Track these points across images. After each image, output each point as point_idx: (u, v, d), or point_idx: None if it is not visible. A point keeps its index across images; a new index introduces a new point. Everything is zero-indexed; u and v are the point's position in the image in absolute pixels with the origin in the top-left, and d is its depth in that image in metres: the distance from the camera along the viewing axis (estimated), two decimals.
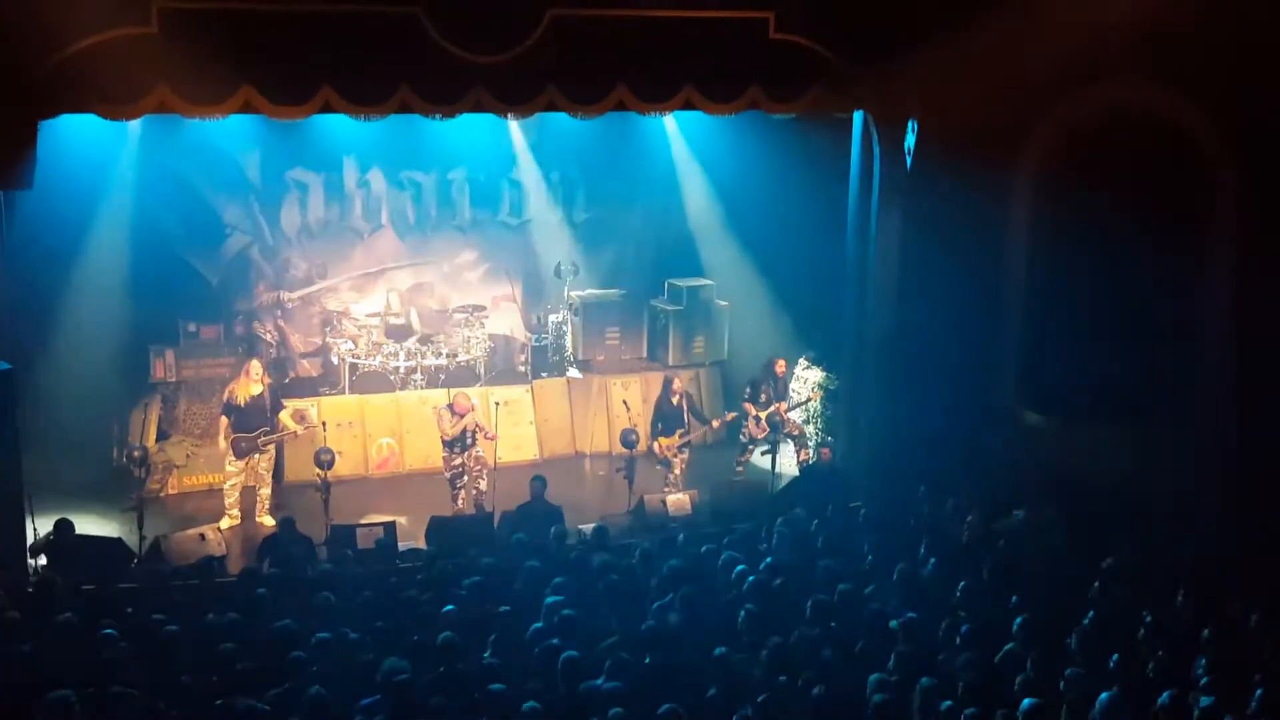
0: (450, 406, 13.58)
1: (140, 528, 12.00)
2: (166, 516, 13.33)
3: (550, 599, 9.38)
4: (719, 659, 8.46)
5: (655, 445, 14.27)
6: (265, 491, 13.58)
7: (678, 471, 14.17)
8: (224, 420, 13.31)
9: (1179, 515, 11.74)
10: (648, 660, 8.52)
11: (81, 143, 13.20)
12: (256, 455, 13.35)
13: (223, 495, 13.48)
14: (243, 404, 13.19)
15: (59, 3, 10.71)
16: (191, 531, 12.10)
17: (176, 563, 11.45)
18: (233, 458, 13.26)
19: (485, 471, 13.47)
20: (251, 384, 13.26)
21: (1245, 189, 12.18)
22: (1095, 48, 11.99)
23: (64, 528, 11.37)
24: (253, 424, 13.23)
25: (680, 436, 14.18)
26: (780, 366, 14.78)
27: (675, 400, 14.27)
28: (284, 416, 13.48)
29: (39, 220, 12.88)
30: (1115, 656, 8.46)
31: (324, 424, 13.98)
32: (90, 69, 11.09)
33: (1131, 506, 11.72)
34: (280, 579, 10.37)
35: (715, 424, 14.69)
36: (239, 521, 13.40)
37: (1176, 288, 12.74)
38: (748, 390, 14.76)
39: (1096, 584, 9.97)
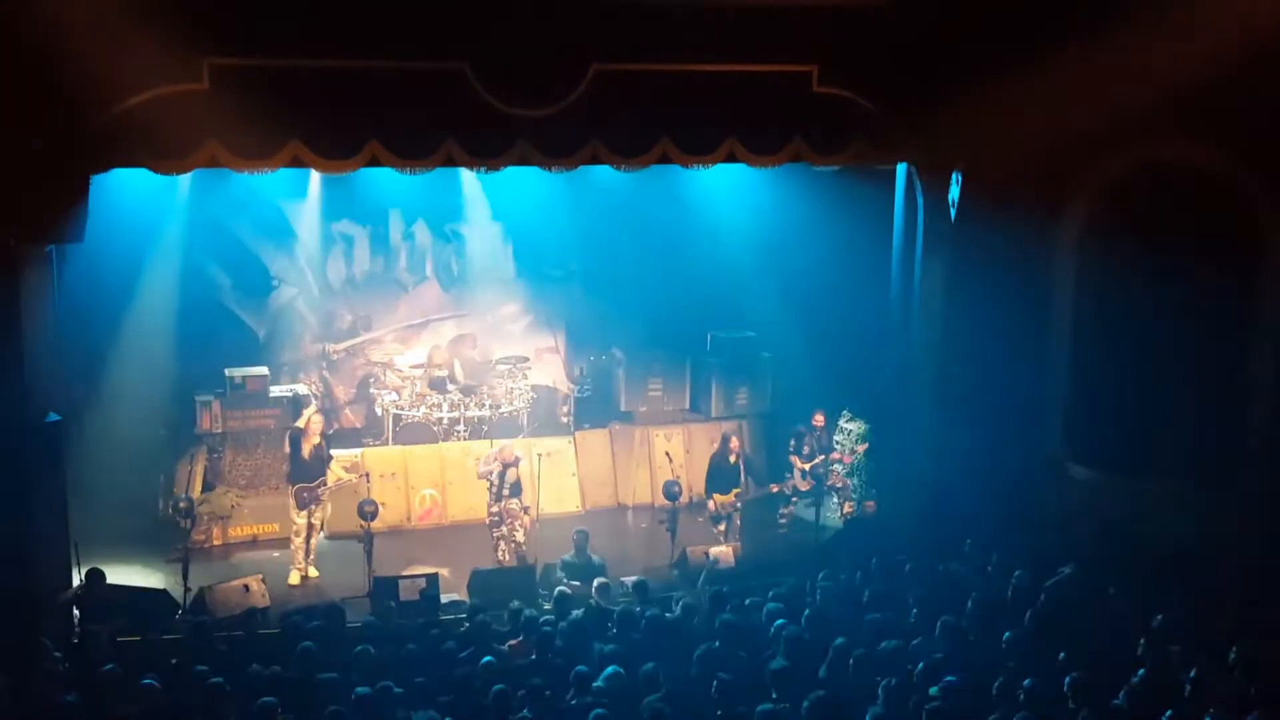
0: (498, 453, 13.60)
1: (185, 578, 12.04)
2: (211, 568, 13.36)
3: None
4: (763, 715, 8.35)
5: (710, 502, 14.17)
6: (312, 542, 13.59)
7: (724, 527, 14.08)
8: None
9: (1228, 570, 11.55)
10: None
11: (132, 196, 13.41)
12: (314, 506, 13.40)
13: (291, 549, 13.44)
14: (307, 456, 13.31)
15: (111, 59, 10.88)
16: (236, 582, 12.13)
17: (220, 614, 11.49)
18: (296, 509, 13.36)
19: (520, 523, 13.45)
20: (310, 437, 13.38)
21: None
22: (1139, 101, 11.92)
23: (95, 578, 11.38)
24: (313, 475, 13.33)
25: (735, 496, 14.09)
26: (819, 419, 14.75)
27: (733, 459, 14.20)
28: (334, 467, 13.54)
29: (90, 273, 13.09)
30: (1168, 713, 8.29)
31: (367, 474, 14.01)
32: (142, 124, 11.28)
33: (1180, 561, 11.54)
34: (324, 631, 10.35)
35: (773, 488, 14.60)
36: (305, 573, 13.35)
37: (1223, 341, 12.60)
38: (792, 443, 14.71)
39: (1144, 640, 9.80)
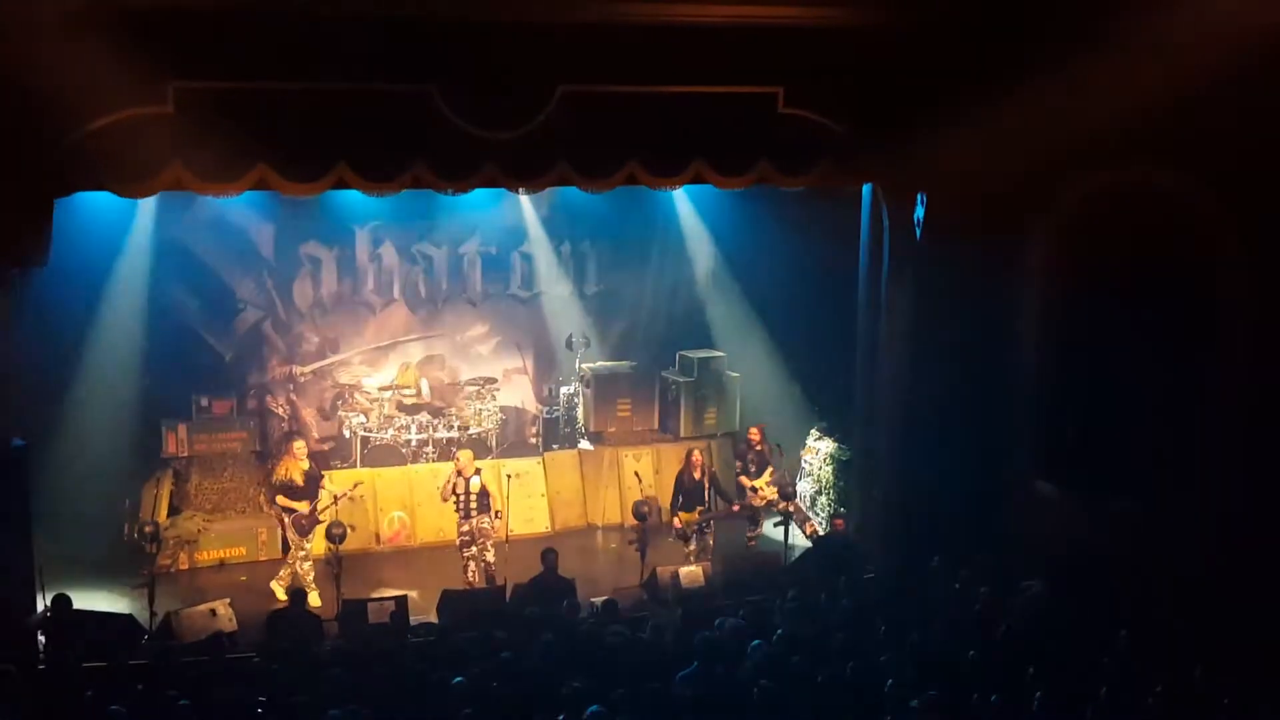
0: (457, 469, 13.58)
1: (151, 603, 11.95)
2: (178, 592, 13.27)
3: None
4: None
5: (676, 520, 14.19)
6: (287, 569, 13.50)
7: (693, 547, 14.09)
8: (282, 499, 13.38)
9: (1192, 587, 11.64)
10: None
11: (96, 219, 13.35)
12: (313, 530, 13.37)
13: (298, 575, 13.33)
14: (302, 482, 13.31)
15: (75, 83, 10.81)
16: (203, 607, 12.01)
17: (187, 639, 11.39)
18: (296, 536, 13.32)
19: (490, 543, 13.42)
20: (300, 462, 13.37)
21: (1253, 267, 12.24)
22: (1102, 124, 12.05)
23: (61, 603, 11.27)
24: (310, 499, 13.36)
25: (700, 514, 14.11)
26: (754, 433, 14.88)
27: (697, 475, 14.21)
28: (325, 485, 13.61)
29: (54, 296, 13.00)
30: None
31: (354, 485, 14.02)
32: (106, 148, 11.22)
33: (1144, 578, 11.64)
34: (292, 654, 10.29)
35: (735, 507, 14.58)
36: (318, 593, 13.19)
37: (1186, 362, 12.74)
38: (738, 465, 14.78)
39: (1108, 657, 9.88)
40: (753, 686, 9.09)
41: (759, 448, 14.84)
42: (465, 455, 13.62)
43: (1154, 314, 12.56)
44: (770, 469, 14.73)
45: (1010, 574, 11.90)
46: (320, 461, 13.69)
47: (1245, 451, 12.31)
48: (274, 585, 13.42)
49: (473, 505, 13.39)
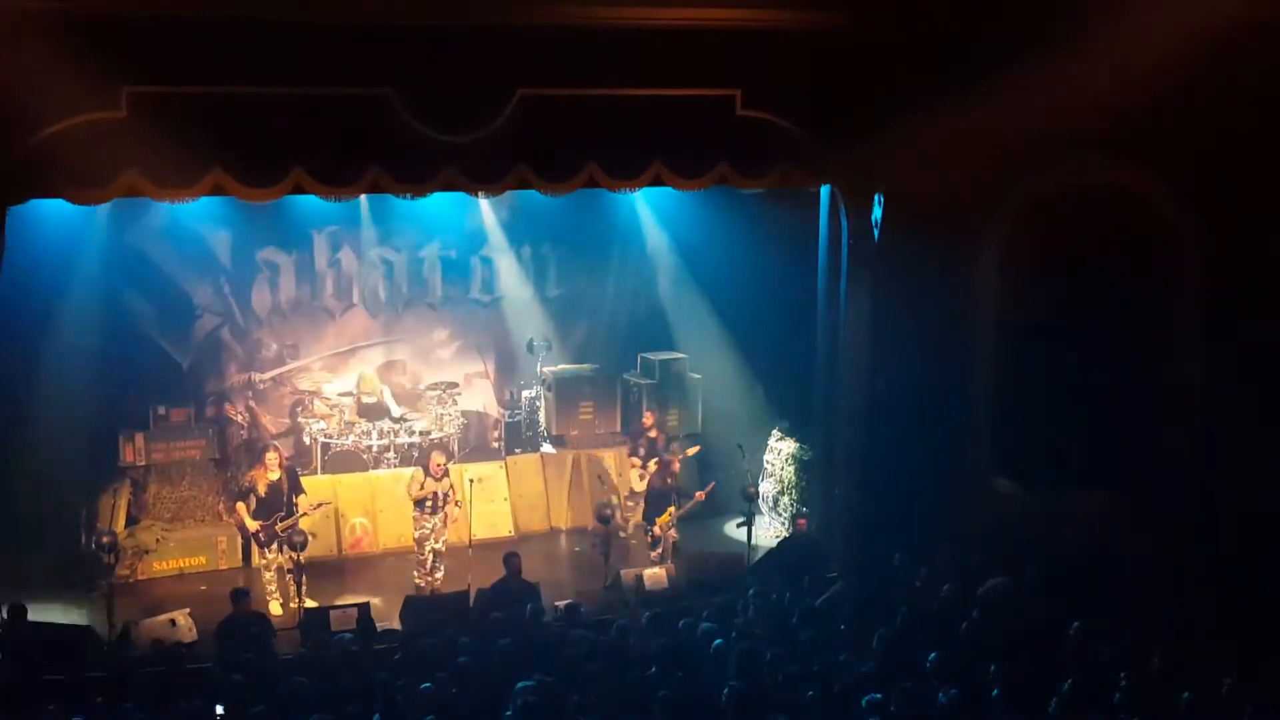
0: (425, 468, 13.53)
1: (110, 614, 11.83)
2: (136, 602, 13.13)
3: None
4: None
5: (655, 527, 14.13)
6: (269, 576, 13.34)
7: (658, 550, 14.08)
8: (241, 507, 13.17)
9: (1151, 579, 11.76)
10: None
11: (49, 226, 13.18)
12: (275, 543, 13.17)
13: (262, 583, 13.23)
14: (264, 493, 13.12)
15: (27, 89, 10.73)
16: (162, 617, 11.93)
17: (146, 649, 11.29)
18: (257, 546, 13.20)
19: (446, 524, 13.46)
20: (270, 472, 13.19)
21: (1207, 258, 12.38)
22: (1059, 123, 12.19)
23: (16, 613, 11.13)
24: (272, 511, 13.13)
25: (671, 515, 14.09)
26: (647, 419, 14.97)
27: (669, 481, 14.24)
28: (300, 501, 13.36)
29: (6, 304, 12.82)
30: None
31: (316, 506, 13.71)
32: (59, 154, 11.12)
33: (1102, 572, 11.74)
34: (253, 665, 10.22)
35: (699, 495, 14.55)
36: (283, 605, 13.07)
37: (1142, 355, 12.88)
38: (628, 445, 14.97)
39: (1068, 650, 9.95)
40: (721, 687, 9.11)
41: (652, 434, 14.87)
42: (438, 456, 13.59)
43: (1110, 309, 12.68)
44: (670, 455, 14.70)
45: (971, 570, 11.98)
46: (292, 474, 13.50)
47: (1203, 445, 12.44)
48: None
49: (440, 503, 13.39)
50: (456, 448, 15.83)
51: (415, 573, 13.55)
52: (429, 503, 13.39)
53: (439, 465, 13.46)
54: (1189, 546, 12.27)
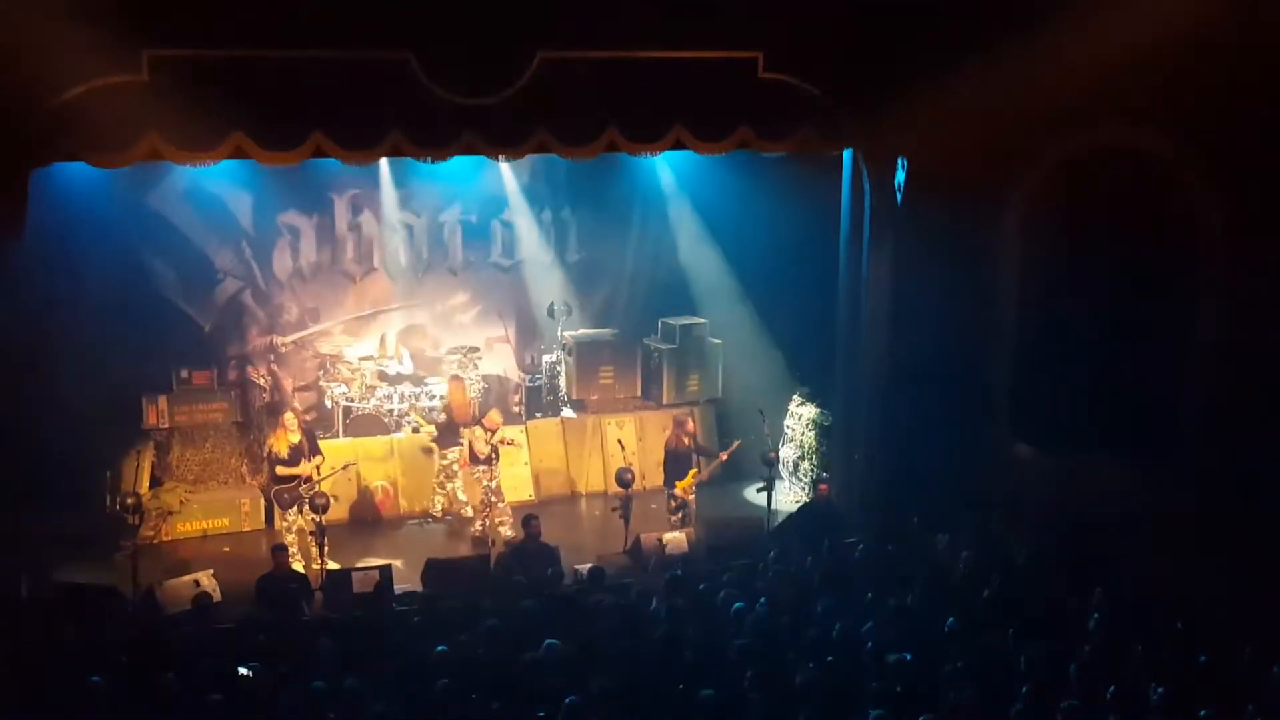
0: (481, 424, 14.06)
1: (134, 575, 11.93)
2: (161, 563, 13.25)
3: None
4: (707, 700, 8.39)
5: (677, 489, 14.08)
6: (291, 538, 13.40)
7: (680, 514, 14.03)
8: (281, 471, 13.32)
9: (1173, 546, 11.72)
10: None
11: (72, 190, 13.21)
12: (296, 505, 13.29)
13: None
14: (286, 455, 13.23)
15: (49, 52, 10.72)
16: (186, 578, 12.02)
17: (171, 610, 11.39)
18: (279, 508, 13.35)
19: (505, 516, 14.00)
20: (290, 434, 13.30)
21: (1231, 224, 12.26)
22: (1081, 86, 12.05)
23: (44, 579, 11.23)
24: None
25: (693, 477, 14.08)
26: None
27: (686, 442, 14.19)
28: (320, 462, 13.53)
29: (30, 268, 12.84)
30: (1112, 689, 8.44)
31: (344, 466, 14.10)
32: (81, 117, 11.13)
33: (1124, 537, 11.71)
34: (277, 625, 10.30)
35: (723, 456, 14.50)
36: (304, 567, 13.00)
37: (1165, 321, 12.78)
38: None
39: (1095, 616, 9.95)
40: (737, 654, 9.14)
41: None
42: (495, 415, 14.22)
43: (1133, 274, 12.59)
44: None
45: (991, 537, 11.97)
46: (310, 435, 13.59)
47: (1225, 411, 12.36)
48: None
49: (495, 457, 13.93)
50: (477, 412, 15.85)
51: (479, 524, 14.06)
52: (483, 459, 13.83)
53: (495, 422, 13.94)
54: (1209, 510, 12.21)
